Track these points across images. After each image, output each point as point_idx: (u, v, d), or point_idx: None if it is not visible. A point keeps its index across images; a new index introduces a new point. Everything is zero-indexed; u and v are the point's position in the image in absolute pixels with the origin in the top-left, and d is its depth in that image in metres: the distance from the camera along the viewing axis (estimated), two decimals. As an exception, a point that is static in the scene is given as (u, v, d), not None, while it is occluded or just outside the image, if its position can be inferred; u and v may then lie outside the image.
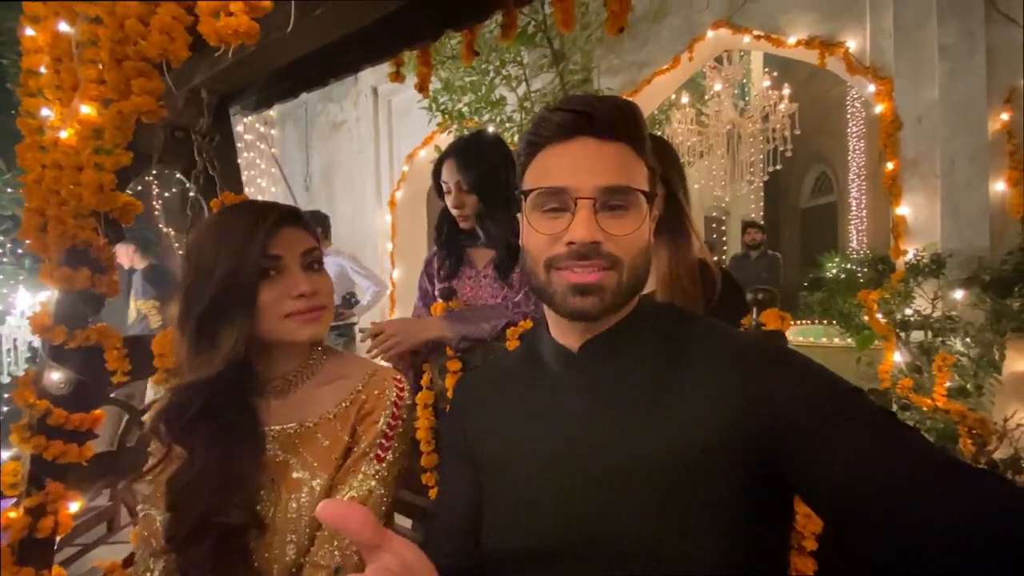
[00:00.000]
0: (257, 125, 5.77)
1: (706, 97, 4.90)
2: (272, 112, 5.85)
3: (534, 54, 3.43)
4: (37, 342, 1.09)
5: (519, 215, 0.66)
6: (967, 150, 2.65)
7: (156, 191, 6.08)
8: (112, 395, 1.18)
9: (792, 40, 3.10)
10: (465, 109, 3.40)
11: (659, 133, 4.24)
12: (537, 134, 0.62)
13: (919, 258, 2.60)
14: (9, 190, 3.86)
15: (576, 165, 0.58)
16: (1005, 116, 2.61)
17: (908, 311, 2.59)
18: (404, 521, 1.29)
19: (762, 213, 7.33)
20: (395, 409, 0.82)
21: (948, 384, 2.29)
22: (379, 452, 0.80)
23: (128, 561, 1.18)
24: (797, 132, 4.54)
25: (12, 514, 1.02)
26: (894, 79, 2.83)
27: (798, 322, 3.97)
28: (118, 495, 2.31)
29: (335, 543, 0.75)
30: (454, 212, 1.41)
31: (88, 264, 1.07)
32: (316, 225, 1.29)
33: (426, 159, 4.57)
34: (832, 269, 3.17)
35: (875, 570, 0.45)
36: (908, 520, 0.41)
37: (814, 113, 6.03)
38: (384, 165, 5.07)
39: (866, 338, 2.79)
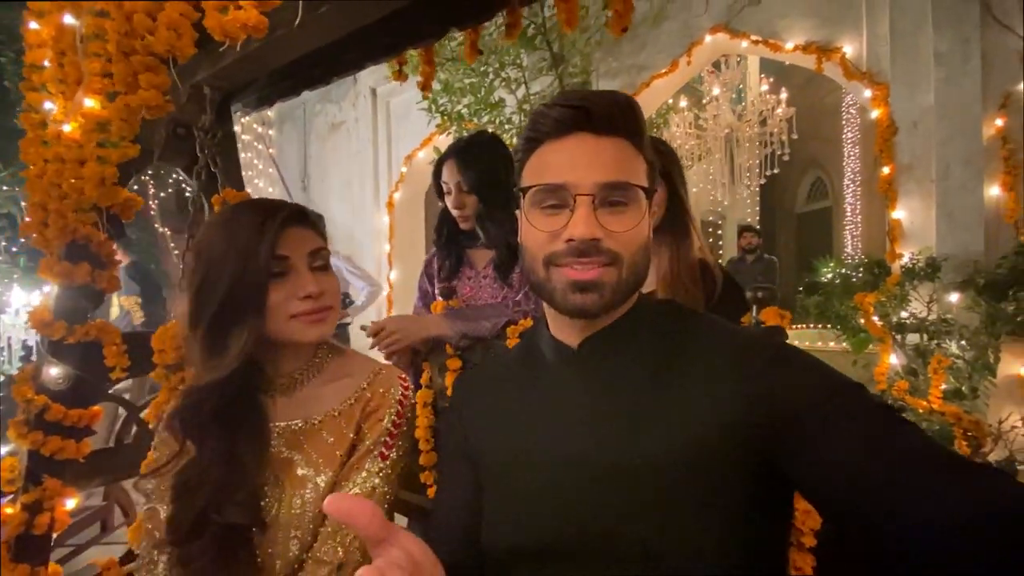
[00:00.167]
0: (255, 125, 5.76)
1: (704, 101, 4.93)
2: (270, 112, 5.84)
3: (533, 56, 3.45)
4: (32, 340, 1.08)
5: (518, 212, 0.65)
6: (962, 155, 2.68)
7: (152, 191, 6.07)
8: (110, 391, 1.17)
9: (789, 45, 3.13)
10: (464, 111, 3.41)
11: (656, 136, 4.26)
12: (535, 130, 0.61)
13: (915, 261, 2.63)
14: (4, 188, 3.84)
15: (575, 161, 0.58)
16: (1000, 121, 2.65)
17: (904, 314, 2.62)
18: (400, 520, 1.29)
19: (758, 218, 7.36)
20: (400, 407, 0.83)
21: (943, 386, 2.31)
22: (383, 450, 0.80)
23: (125, 559, 1.17)
24: (794, 136, 4.58)
25: (9, 510, 1.01)
26: (890, 84, 2.86)
27: (794, 326, 3.99)
28: (112, 495, 2.29)
29: (338, 539, 0.75)
30: (454, 213, 1.41)
31: (88, 259, 1.06)
32: None
33: (424, 160, 4.57)
34: (827, 273, 3.19)
35: (874, 567, 0.45)
36: (908, 517, 0.41)
37: (810, 119, 6.07)
38: (382, 166, 5.07)
39: (862, 341, 2.81)
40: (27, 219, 1.04)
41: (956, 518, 0.39)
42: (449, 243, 1.47)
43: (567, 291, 0.58)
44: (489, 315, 1.21)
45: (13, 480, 1.04)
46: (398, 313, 4.50)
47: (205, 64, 1.04)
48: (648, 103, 3.85)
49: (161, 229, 6.35)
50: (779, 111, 4.63)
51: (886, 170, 2.89)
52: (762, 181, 5.24)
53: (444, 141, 3.70)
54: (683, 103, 4.69)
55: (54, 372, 1.06)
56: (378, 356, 1.14)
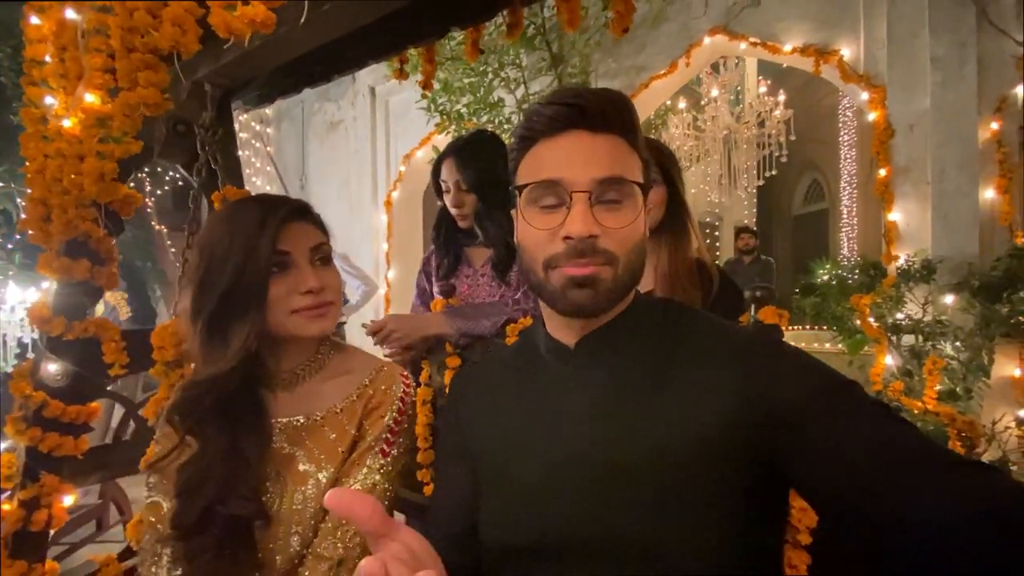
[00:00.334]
0: (253, 123, 5.74)
1: (702, 103, 4.95)
2: (268, 110, 5.83)
3: (533, 57, 3.45)
4: (28, 337, 1.08)
5: (513, 212, 0.65)
6: (958, 158, 2.70)
7: (149, 188, 6.04)
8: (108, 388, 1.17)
9: (788, 47, 3.14)
10: (463, 110, 3.41)
11: (655, 138, 4.27)
12: (530, 128, 0.61)
13: (910, 263, 2.65)
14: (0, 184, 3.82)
15: (570, 158, 0.57)
16: (995, 125, 2.67)
17: (899, 315, 2.63)
18: (398, 517, 1.29)
19: (755, 219, 7.38)
20: (401, 404, 0.83)
21: (938, 387, 2.32)
22: (384, 447, 0.80)
23: (123, 556, 1.17)
24: (792, 138, 4.60)
25: (6, 507, 1.01)
26: (887, 87, 2.88)
27: (790, 327, 4.00)
28: (108, 493, 2.29)
29: (338, 535, 0.75)
30: (453, 211, 1.41)
31: (88, 255, 1.06)
32: None
33: (423, 160, 4.57)
34: (823, 275, 3.20)
35: (869, 565, 0.45)
36: (905, 515, 0.41)
37: (807, 122, 6.09)
38: (381, 165, 5.06)
39: (857, 342, 2.83)
40: (24, 216, 1.04)
41: (953, 516, 0.39)
42: (447, 241, 1.48)
43: (565, 287, 0.58)
44: (489, 313, 1.21)
45: (11, 476, 1.04)
46: (396, 312, 4.50)
47: (207, 61, 1.04)
48: (647, 104, 3.86)
49: (158, 227, 6.33)
50: (777, 113, 4.65)
51: (883, 172, 2.91)
52: (760, 183, 5.25)
53: (443, 140, 3.70)
54: (681, 104, 4.70)
55: (53, 368, 1.06)
56: (378, 352, 1.14)
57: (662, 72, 3.54)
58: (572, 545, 0.55)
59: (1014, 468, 1.93)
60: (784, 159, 4.72)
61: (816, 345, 3.80)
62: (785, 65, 3.59)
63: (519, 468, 0.61)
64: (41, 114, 1.04)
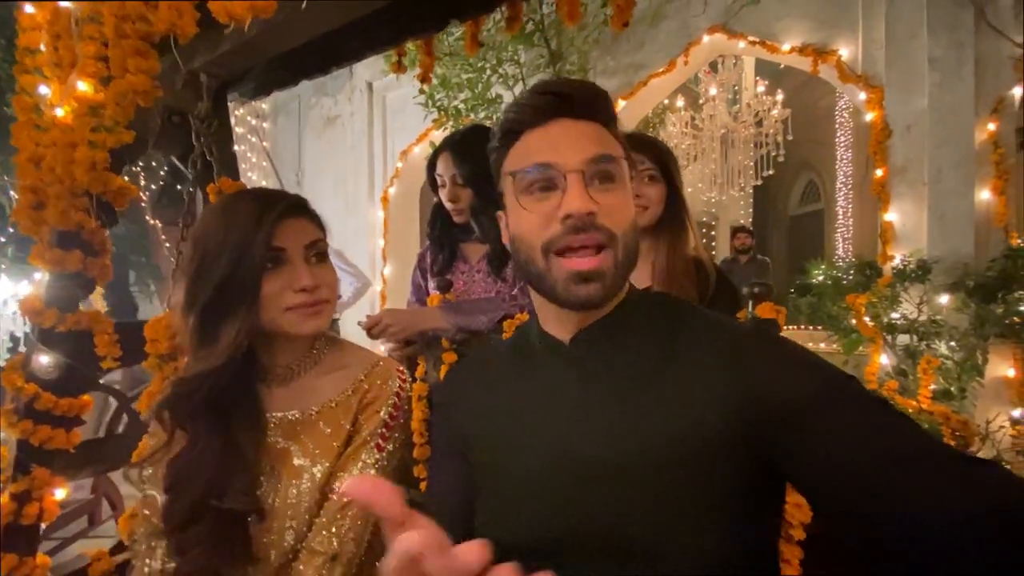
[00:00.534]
0: (248, 118, 5.71)
1: (700, 101, 4.95)
2: (264, 105, 5.79)
3: (531, 53, 3.45)
4: (19, 331, 1.07)
5: (500, 213, 0.65)
6: (954, 159, 2.71)
7: (143, 183, 6.00)
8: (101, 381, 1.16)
9: (786, 47, 3.15)
10: (461, 106, 3.40)
11: (653, 135, 4.28)
12: (516, 121, 0.61)
13: (906, 263, 2.66)
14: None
15: (559, 143, 0.58)
16: (992, 126, 2.68)
17: (895, 315, 2.65)
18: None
19: (751, 219, 7.40)
20: (397, 400, 0.83)
21: (932, 387, 2.34)
22: (380, 441, 0.80)
23: (115, 550, 1.16)
24: (790, 137, 4.61)
25: (-2, 500, 1.00)
26: (885, 88, 2.89)
27: (786, 327, 4.01)
28: (100, 488, 2.27)
29: (332, 529, 0.74)
30: (448, 206, 1.40)
31: (80, 247, 1.05)
32: None
33: (420, 156, 4.55)
34: (818, 276, 3.22)
35: (863, 560, 0.45)
36: (902, 513, 0.41)
37: (803, 122, 6.10)
38: (377, 161, 5.05)
39: (853, 342, 2.84)
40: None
41: (953, 514, 0.39)
42: (443, 237, 1.47)
43: (569, 283, 0.57)
44: (486, 309, 1.21)
45: (2, 469, 1.03)
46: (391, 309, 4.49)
47: (203, 50, 1.03)
48: (645, 102, 3.86)
49: (152, 221, 6.29)
50: (775, 112, 4.65)
51: (879, 172, 2.92)
52: (757, 182, 5.26)
53: (440, 137, 3.68)
54: (679, 103, 4.71)
55: (45, 361, 1.05)
56: (373, 348, 1.14)
57: (660, 70, 3.54)
58: (568, 542, 0.55)
59: (1008, 467, 1.95)
60: (781, 159, 4.74)
61: (811, 345, 3.81)
62: (783, 65, 3.60)
63: (514, 465, 0.60)
64: (34, 103, 1.03)
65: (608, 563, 0.53)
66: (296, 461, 0.78)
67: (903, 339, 2.63)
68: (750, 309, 1.01)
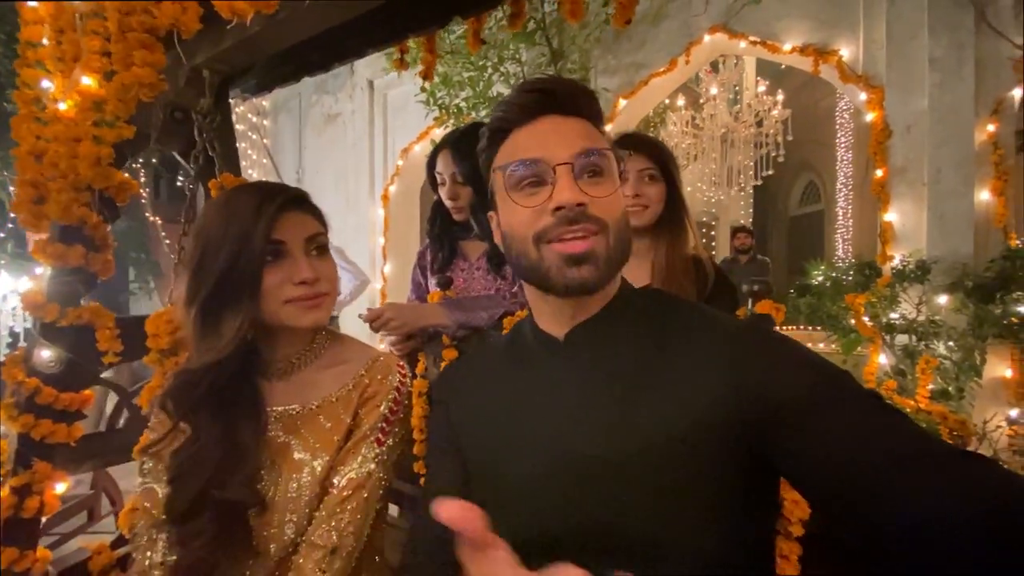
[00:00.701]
0: (249, 115, 5.70)
1: (701, 101, 4.95)
2: (265, 102, 5.79)
3: (532, 52, 3.45)
4: (18, 327, 1.07)
5: (491, 214, 0.66)
6: (954, 159, 2.72)
7: (143, 179, 6.00)
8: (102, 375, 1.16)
9: (787, 47, 3.15)
10: (463, 104, 3.40)
11: (653, 135, 4.28)
12: (504, 119, 0.62)
13: (905, 264, 2.66)
14: (-8, 172, 3.78)
15: (547, 139, 0.59)
16: (992, 127, 2.69)
17: (894, 315, 2.65)
18: (392, 509, 1.29)
19: (751, 220, 7.41)
20: (397, 394, 0.83)
21: (931, 386, 2.35)
22: (380, 436, 0.80)
23: (115, 545, 1.16)
24: (790, 138, 4.61)
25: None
26: (885, 88, 2.89)
27: (785, 327, 4.02)
28: (99, 484, 2.27)
29: (332, 523, 0.75)
30: (448, 204, 1.40)
31: (82, 241, 1.05)
32: None
33: (420, 154, 4.56)
34: (818, 276, 3.22)
35: (861, 556, 0.45)
36: (900, 512, 0.41)
37: (804, 123, 6.11)
38: (378, 159, 5.05)
39: (851, 342, 2.85)
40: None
41: (952, 513, 0.39)
42: (442, 234, 1.47)
43: (562, 267, 0.57)
44: (487, 306, 1.21)
45: (3, 463, 1.03)
46: (391, 306, 4.49)
47: (206, 46, 1.03)
48: (646, 101, 3.86)
49: (152, 218, 6.29)
50: (775, 112, 4.66)
51: (879, 173, 2.93)
52: (757, 182, 5.27)
53: (441, 135, 3.68)
54: (680, 102, 4.71)
55: (46, 355, 1.05)
56: (375, 343, 1.14)
57: (661, 69, 3.54)
58: (565, 540, 0.55)
59: (1004, 467, 1.96)
60: (781, 159, 4.74)
61: (810, 345, 3.81)
62: (784, 66, 3.60)
63: (510, 463, 0.60)
64: (35, 96, 1.03)
65: (605, 561, 0.52)
66: (296, 455, 0.78)
67: (902, 339, 2.63)
68: (750, 307, 1.01)
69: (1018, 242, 2.61)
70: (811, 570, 0.84)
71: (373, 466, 0.79)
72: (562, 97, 0.60)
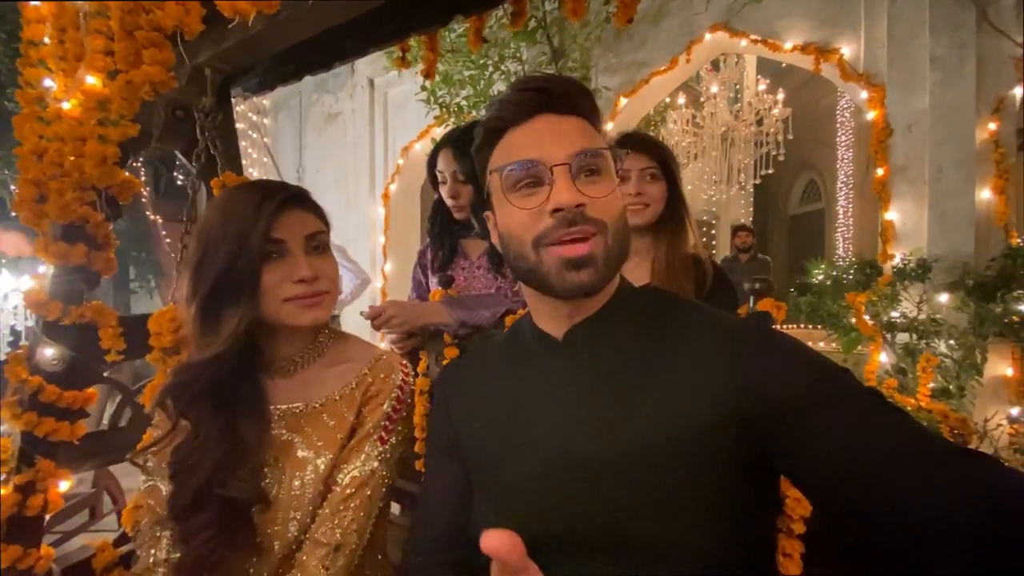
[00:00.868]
0: (250, 114, 5.70)
1: (701, 100, 4.95)
2: (265, 101, 5.79)
3: (533, 51, 3.45)
4: (20, 325, 1.07)
5: (488, 214, 0.65)
6: (955, 158, 2.72)
7: (144, 178, 6.00)
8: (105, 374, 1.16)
9: (788, 45, 3.15)
10: (463, 103, 3.40)
11: (654, 134, 4.28)
12: (499, 118, 0.61)
13: (906, 262, 2.66)
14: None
15: (543, 139, 0.58)
16: (993, 126, 2.68)
17: (894, 314, 2.65)
18: (394, 507, 1.29)
19: (751, 218, 7.40)
20: (400, 393, 0.83)
21: (931, 385, 2.35)
22: (383, 434, 0.80)
23: (118, 543, 1.17)
24: (790, 137, 4.60)
25: (2, 491, 1.00)
26: (886, 87, 2.89)
27: (786, 325, 4.02)
28: (101, 482, 2.28)
29: (336, 521, 0.75)
30: (449, 202, 1.41)
31: (85, 240, 1.05)
32: None
33: (421, 152, 4.55)
34: (818, 275, 3.22)
35: (863, 554, 0.45)
36: (900, 510, 0.41)
37: (804, 122, 6.10)
38: (379, 158, 5.05)
39: (852, 341, 2.85)
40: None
41: (953, 512, 0.39)
42: (443, 233, 1.47)
43: (562, 271, 0.57)
44: (488, 304, 1.21)
45: (6, 461, 1.03)
46: (392, 305, 4.49)
47: (207, 46, 1.03)
48: (646, 100, 3.86)
49: (153, 217, 6.28)
50: (775, 111, 4.65)
51: (880, 171, 2.93)
52: (757, 181, 5.26)
53: (441, 133, 3.68)
54: (681, 100, 4.70)
55: (49, 353, 1.05)
56: (376, 341, 1.14)
57: (662, 68, 3.54)
58: (565, 539, 0.55)
59: (1005, 464, 1.96)
60: (781, 158, 4.73)
61: (811, 343, 3.81)
62: (784, 64, 3.59)
63: (510, 462, 0.60)
64: (37, 94, 1.03)
65: (605, 559, 0.53)
66: (300, 453, 0.78)
67: (903, 338, 2.63)
68: (751, 305, 1.02)
69: (1019, 240, 2.61)
70: (814, 568, 0.84)
71: (376, 464, 0.79)
72: (557, 96, 0.60)
